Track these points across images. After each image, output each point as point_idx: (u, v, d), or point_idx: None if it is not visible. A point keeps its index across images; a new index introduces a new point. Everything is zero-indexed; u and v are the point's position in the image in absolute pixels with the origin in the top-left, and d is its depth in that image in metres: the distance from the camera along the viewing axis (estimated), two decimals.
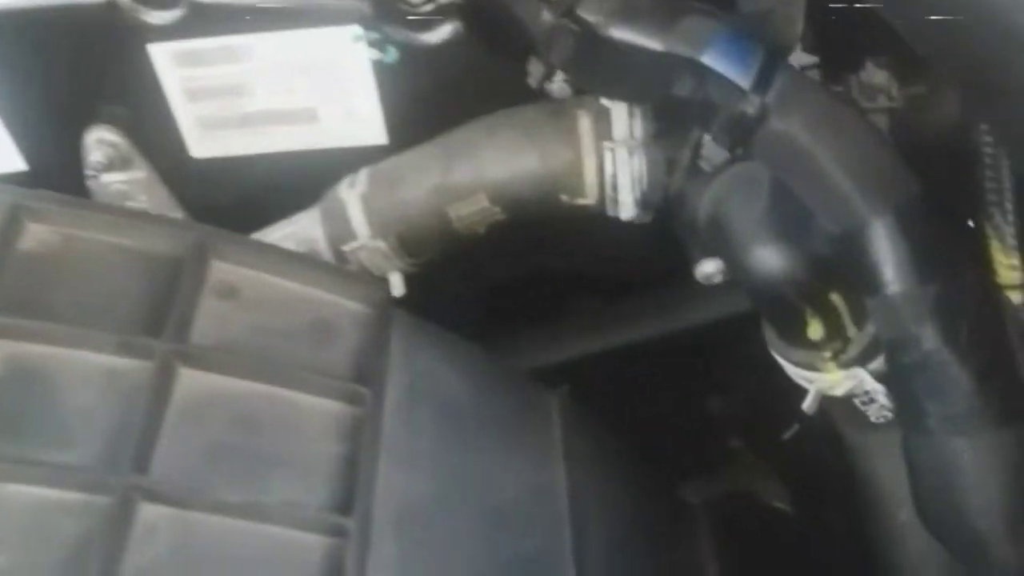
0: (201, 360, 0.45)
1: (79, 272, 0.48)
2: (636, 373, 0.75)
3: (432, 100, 0.73)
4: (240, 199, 0.79)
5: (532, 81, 0.64)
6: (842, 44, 0.64)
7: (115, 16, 0.70)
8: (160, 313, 0.46)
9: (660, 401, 0.76)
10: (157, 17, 0.70)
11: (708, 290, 0.63)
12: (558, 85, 0.67)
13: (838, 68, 0.64)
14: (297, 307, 0.50)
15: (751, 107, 0.51)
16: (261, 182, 0.78)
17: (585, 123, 0.65)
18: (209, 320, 0.47)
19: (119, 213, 0.55)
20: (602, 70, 0.59)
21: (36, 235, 0.48)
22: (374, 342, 0.50)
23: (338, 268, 0.55)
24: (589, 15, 0.57)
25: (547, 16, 0.59)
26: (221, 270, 0.49)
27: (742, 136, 0.52)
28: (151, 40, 0.71)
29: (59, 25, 0.71)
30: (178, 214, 0.80)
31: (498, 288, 0.76)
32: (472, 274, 0.73)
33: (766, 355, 0.62)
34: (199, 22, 0.70)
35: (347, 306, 0.51)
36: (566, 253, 0.74)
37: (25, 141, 0.76)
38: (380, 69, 0.72)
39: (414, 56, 0.71)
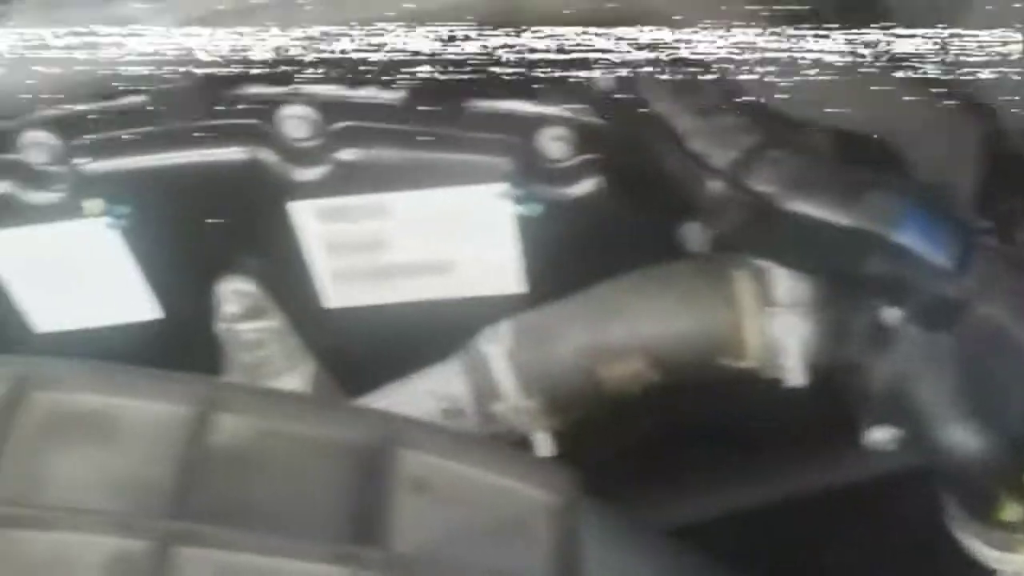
0: (407, 570, 0.43)
1: (273, 468, 0.46)
2: (784, 529, 0.73)
3: (571, 251, 0.73)
4: (372, 348, 0.78)
5: (694, 245, 0.63)
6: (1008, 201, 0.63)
7: (259, 173, 0.70)
8: (360, 513, 0.45)
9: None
10: (302, 175, 0.70)
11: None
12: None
13: (1006, 227, 0.63)
14: (488, 500, 0.48)
15: (953, 290, 0.50)
16: (393, 331, 0.77)
17: (745, 284, 0.63)
18: (407, 520, 0.45)
19: (306, 401, 0.54)
20: (776, 241, 0.58)
21: (227, 427, 0.47)
22: (568, 539, 0.48)
23: (523, 454, 0.54)
24: (762, 186, 0.57)
25: (714, 184, 0.58)
26: (411, 461, 0.48)
27: (943, 319, 0.51)
28: (294, 197, 0.71)
29: (202, 180, 0.71)
30: (308, 364, 0.79)
31: (639, 441, 0.74)
32: (614, 429, 0.72)
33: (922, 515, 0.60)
34: (343, 180, 0.70)
35: (537, 498, 0.49)
36: (710, 408, 0.72)
37: (162, 290, 0.77)
38: (521, 221, 0.72)
39: (555, 208, 0.71)
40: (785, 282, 0.63)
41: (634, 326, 0.65)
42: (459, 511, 0.48)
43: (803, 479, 0.74)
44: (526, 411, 0.69)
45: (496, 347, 0.69)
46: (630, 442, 0.73)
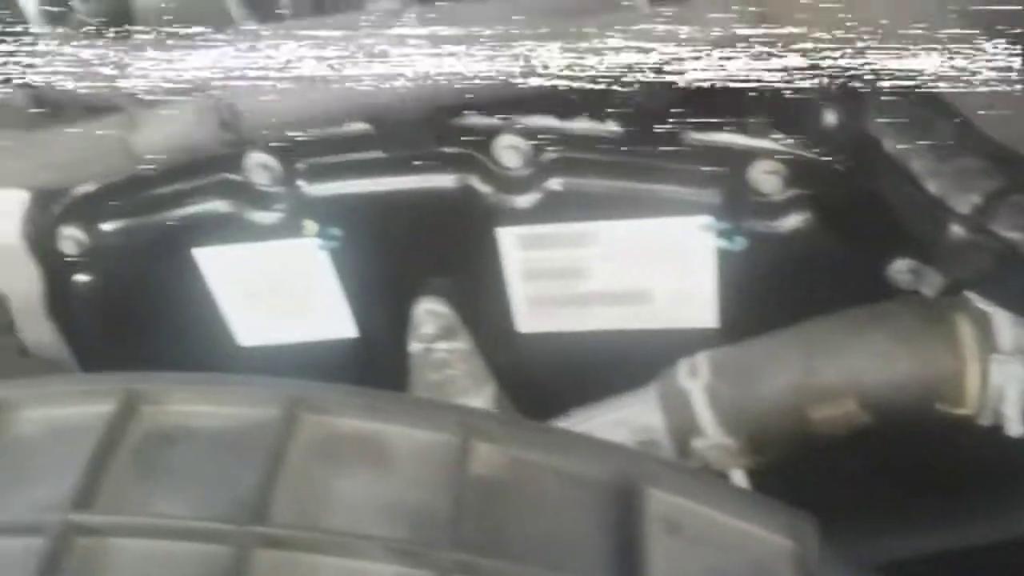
0: None
1: (531, 500, 0.47)
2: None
3: (773, 286, 0.72)
4: (558, 374, 0.79)
5: (922, 287, 0.62)
6: None
7: (469, 200, 0.72)
8: (618, 551, 0.45)
9: None
10: (512, 202, 0.71)
11: None
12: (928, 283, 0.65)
13: None
14: (735, 544, 0.48)
15: None
16: (581, 358, 0.78)
17: (967, 330, 0.62)
18: (662, 561, 0.46)
19: (552, 432, 0.55)
20: (1015, 287, 0.57)
21: (484, 456, 0.48)
22: None
23: (762, 497, 0.54)
24: (1009, 232, 0.56)
25: (956, 229, 0.58)
26: (661, 501, 0.48)
27: None
28: (500, 224, 0.72)
29: (412, 205, 0.73)
30: (490, 386, 0.80)
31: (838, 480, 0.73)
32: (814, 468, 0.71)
33: None
34: (550, 208, 0.71)
35: (780, 543, 0.49)
36: (918, 452, 0.71)
37: (359, 309, 0.78)
38: (722, 254, 0.72)
39: (759, 242, 0.71)
40: (1009, 328, 0.61)
41: (848, 366, 0.64)
42: (709, 554, 0.48)
43: (1008, 525, 0.72)
44: (725, 448, 0.68)
45: (696, 382, 0.69)
46: (829, 481, 0.72)
